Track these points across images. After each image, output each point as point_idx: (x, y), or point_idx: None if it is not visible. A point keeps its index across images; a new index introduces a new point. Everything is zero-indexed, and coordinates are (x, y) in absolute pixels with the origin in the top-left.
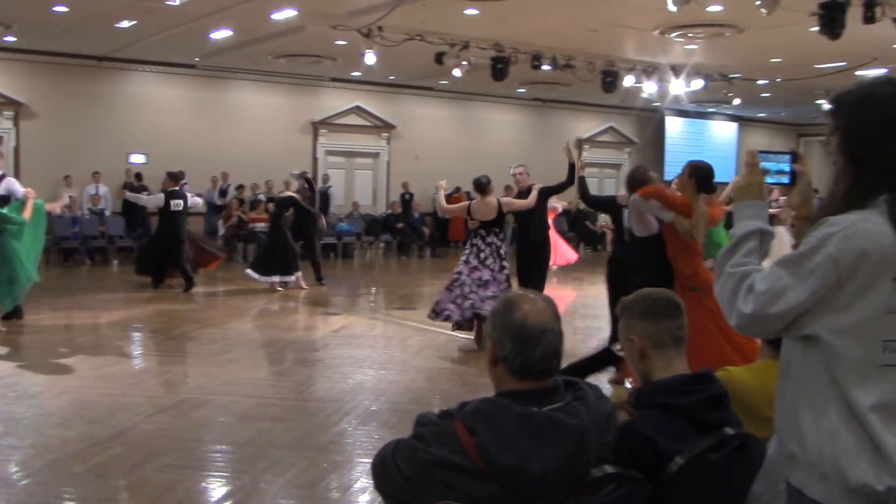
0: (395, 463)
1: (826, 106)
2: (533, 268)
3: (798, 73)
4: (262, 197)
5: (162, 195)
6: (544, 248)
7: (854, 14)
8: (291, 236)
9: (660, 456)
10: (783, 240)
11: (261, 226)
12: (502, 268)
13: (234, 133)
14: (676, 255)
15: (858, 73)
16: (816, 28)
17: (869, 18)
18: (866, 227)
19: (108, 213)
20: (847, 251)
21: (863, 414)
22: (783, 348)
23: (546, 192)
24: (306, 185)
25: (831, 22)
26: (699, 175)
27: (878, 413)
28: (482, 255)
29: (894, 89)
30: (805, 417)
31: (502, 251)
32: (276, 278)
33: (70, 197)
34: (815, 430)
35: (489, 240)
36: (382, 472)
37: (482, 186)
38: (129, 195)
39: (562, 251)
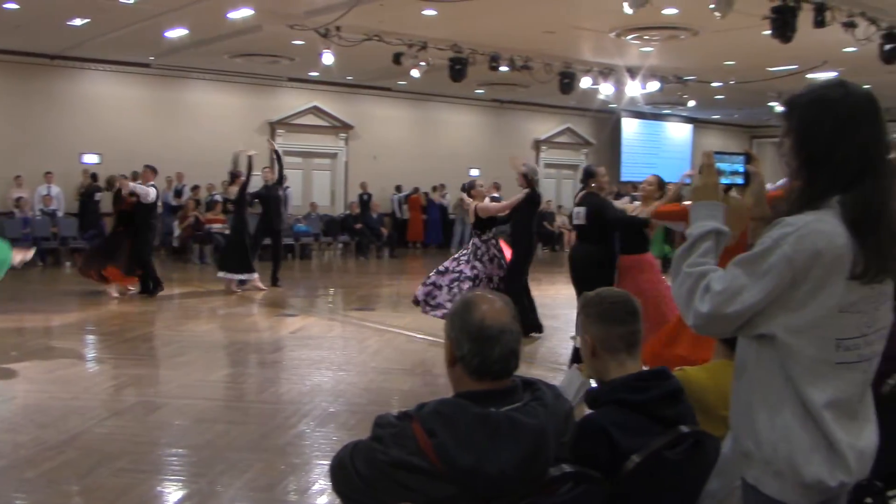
0: (354, 465)
1: (779, 108)
2: None
3: (751, 75)
4: (218, 197)
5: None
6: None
7: (805, 18)
8: (258, 232)
9: (616, 452)
10: None
11: (217, 226)
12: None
13: (190, 133)
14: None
15: (809, 76)
16: (769, 32)
17: (819, 22)
18: (820, 227)
19: (60, 213)
20: (802, 251)
21: (817, 411)
22: (738, 347)
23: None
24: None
25: (783, 26)
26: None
27: (831, 410)
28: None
29: (845, 92)
30: (760, 416)
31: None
32: (242, 276)
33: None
34: (770, 427)
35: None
36: (340, 474)
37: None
38: (138, 187)
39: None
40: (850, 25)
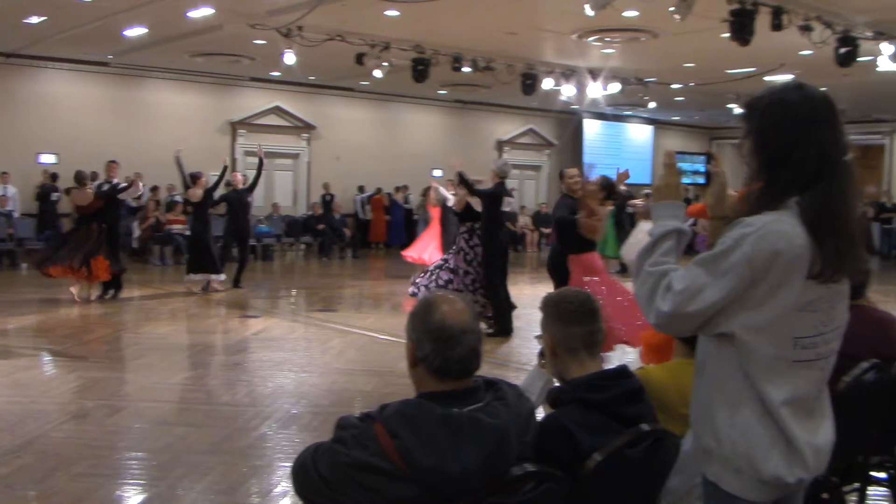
0: (316, 467)
1: (738, 110)
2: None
3: (710, 77)
4: (178, 198)
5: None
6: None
7: (763, 21)
8: (226, 237)
9: (577, 450)
10: None
11: (178, 227)
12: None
13: (150, 133)
14: None
15: (767, 78)
16: (727, 34)
17: (777, 26)
18: (779, 227)
19: (16, 214)
20: (761, 251)
21: (775, 409)
22: (699, 346)
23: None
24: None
25: (741, 28)
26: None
27: (789, 408)
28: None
29: (803, 95)
30: (720, 413)
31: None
32: (210, 276)
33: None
34: (729, 425)
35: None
36: (302, 477)
37: None
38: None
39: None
40: (806, 29)
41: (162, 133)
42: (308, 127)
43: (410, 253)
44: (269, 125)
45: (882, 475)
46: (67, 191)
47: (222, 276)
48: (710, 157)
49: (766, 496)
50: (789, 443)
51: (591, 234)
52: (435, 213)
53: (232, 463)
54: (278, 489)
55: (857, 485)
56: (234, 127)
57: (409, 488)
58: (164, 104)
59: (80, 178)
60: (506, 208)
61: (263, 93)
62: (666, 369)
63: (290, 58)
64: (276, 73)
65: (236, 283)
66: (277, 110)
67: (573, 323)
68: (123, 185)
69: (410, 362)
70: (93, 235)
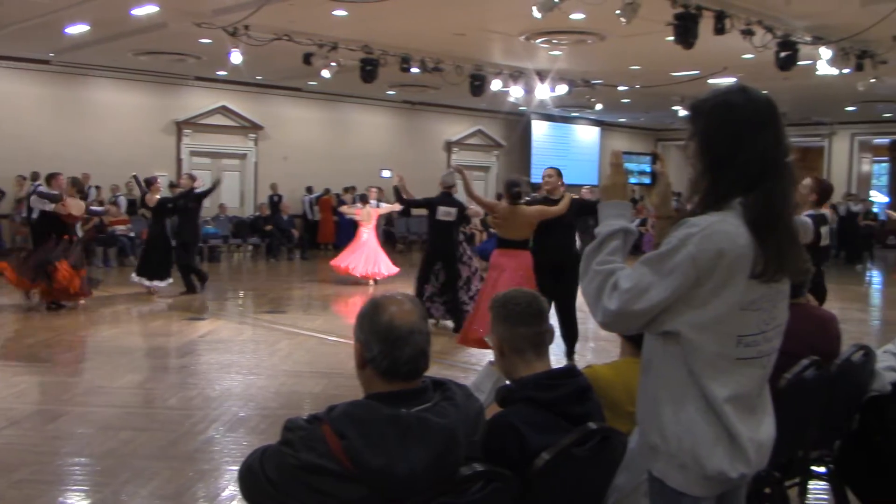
0: (263, 470)
1: (683, 112)
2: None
3: (655, 80)
4: (122, 199)
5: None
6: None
7: (706, 25)
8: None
9: (526, 449)
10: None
11: (122, 228)
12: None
13: (93, 133)
14: None
15: (711, 81)
16: (672, 38)
17: (719, 30)
18: (723, 228)
19: None
20: (705, 251)
21: (718, 406)
22: (645, 344)
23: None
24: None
25: (685, 32)
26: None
27: (731, 404)
28: None
29: (747, 98)
30: (665, 410)
31: None
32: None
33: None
34: (674, 422)
35: None
36: (250, 480)
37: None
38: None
39: (375, 261)
40: (748, 33)
41: (105, 133)
42: (255, 127)
43: (338, 263)
44: (215, 125)
45: (822, 469)
46: (57, 198)
47: (169, 281)
48: (655, 158)
49: (710, 491)
50: (732, 439)
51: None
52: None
53: (178, 468)
54: (226, 493)
55: (798, 479)
56: (180, 127)
57: (358, 489)
58: (107, 103)
59: (79, 186)
60: (443, 217)
61: (209, 92)
62: (613, 368)
63: (236, 57)
64: (222, 73)
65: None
66: (224, 110)
67: (520, 324)
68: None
69: (358, 364)
70: (62, 245)
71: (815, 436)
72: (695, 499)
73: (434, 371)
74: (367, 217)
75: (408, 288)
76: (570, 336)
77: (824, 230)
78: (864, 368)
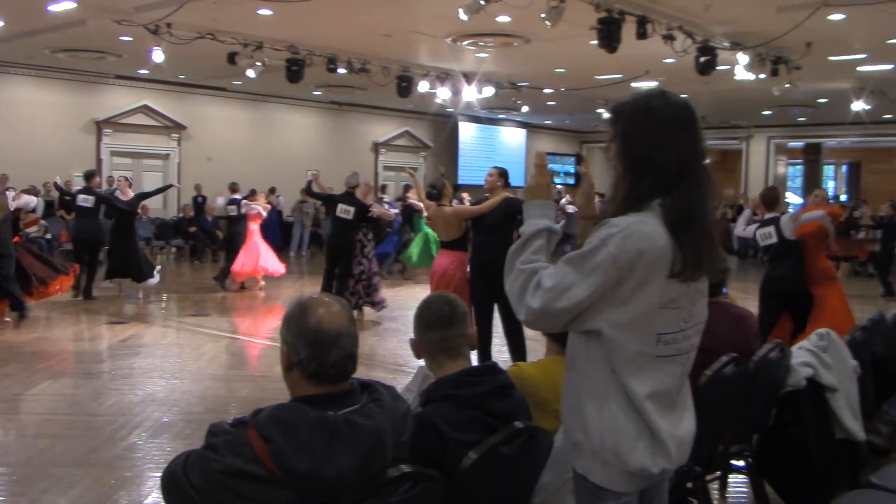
0: (187, 475)
1: (606, 115)
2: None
3: (580, 83)
4: (38, 200)
5: None
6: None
7: (629, 30)
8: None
9: (446, 446)
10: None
11: (33, 229)
12: None
13: (9, 132)
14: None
15: (634, 84)
16: (596, 42)
17: (642, 34)
18: (642, 228)
19: None
20: (625, 250)
21: (639, 402)
22: (569, 342)
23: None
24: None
25: (608, 36)
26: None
27: (652, 401)
28: None
29: (665, 102)
30: (588, 407)
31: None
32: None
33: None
34: (597, 419)
35: None
36: (173, 487)
37: None
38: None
39: (263, 260)
40: (669, 38)
41: (21, 132)
42: (178, 127)
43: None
44: (136, 124)
45: (741, 463)
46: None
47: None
48: (579, 159)
49: (632, 487)
50: (653, 435)
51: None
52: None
53: (99, 475)
54: (148, 500)
55: (718, 473)
56: (100, 126)
57: (285, 493)
58: (23, 102)
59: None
60: (342, 214)
61: (130, 91)
62: (539, 366)
63: (158, 56)
64: (143, 71)
65: (87, 294)
66: (145, 109)
67: (429, 329)
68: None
69: (285, 366)
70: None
71: (734, 431)
72: (617, 494)
73: (361, 373)
74: (259, 213)
75: (300, 286)
76: (513, 337)
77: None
78: (779, 364)
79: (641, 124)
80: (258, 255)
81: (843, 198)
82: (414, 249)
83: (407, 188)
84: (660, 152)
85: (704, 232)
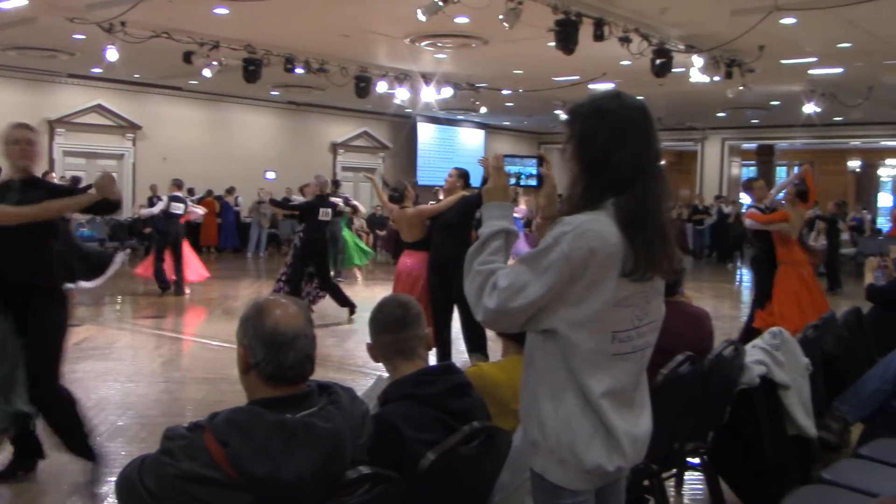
0: (142, 480)
1: (563, 116)
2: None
3: (538, 84)
4: None
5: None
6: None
7: (586, 32)
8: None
9: (405, 446)
10: None
11: None
12: None
13: None
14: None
15: (591, 86)
16: (553, 43)
17: (598, 37)
18: (595, 227)
19: None
20: (578, 249)
21: (595, 401)
22: (527, 341)
23: None
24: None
25: (566, 38)
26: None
27: (608, 399)
28: None
29: (620, 103)
30: (545, 406)
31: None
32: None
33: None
34: (554, 417)
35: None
36: (128, 492)
37: None
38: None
39: (193, 266)
40: (625, 40)
41: None
42: (133, 126)
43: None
44: (90, 124)
45: (696, 461)
46: None
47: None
48: (541, 160)
49: (589, 485)
50: (609, 433)
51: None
52: None
53: (52, 481)
54: None
55: (674, 471)
56: (53, 126)
57: (242, 497)
58: None
59: None
60: (324, 217)
61: (84, 90)
62: (499, 366)
63: (112, 54)
64: (97, 70)
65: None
66: (99, 108)
67: (383, 332)
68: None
69: (242, 369)
70: None
71: (690, 428)
72: (573, 492)
73: (319, 374)
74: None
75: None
76: (472, 336)
77: None
78: (734, 363)
79: (596, 125)
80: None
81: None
82: (352, 252)
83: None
84: (614, 153)
85: (658, 231)
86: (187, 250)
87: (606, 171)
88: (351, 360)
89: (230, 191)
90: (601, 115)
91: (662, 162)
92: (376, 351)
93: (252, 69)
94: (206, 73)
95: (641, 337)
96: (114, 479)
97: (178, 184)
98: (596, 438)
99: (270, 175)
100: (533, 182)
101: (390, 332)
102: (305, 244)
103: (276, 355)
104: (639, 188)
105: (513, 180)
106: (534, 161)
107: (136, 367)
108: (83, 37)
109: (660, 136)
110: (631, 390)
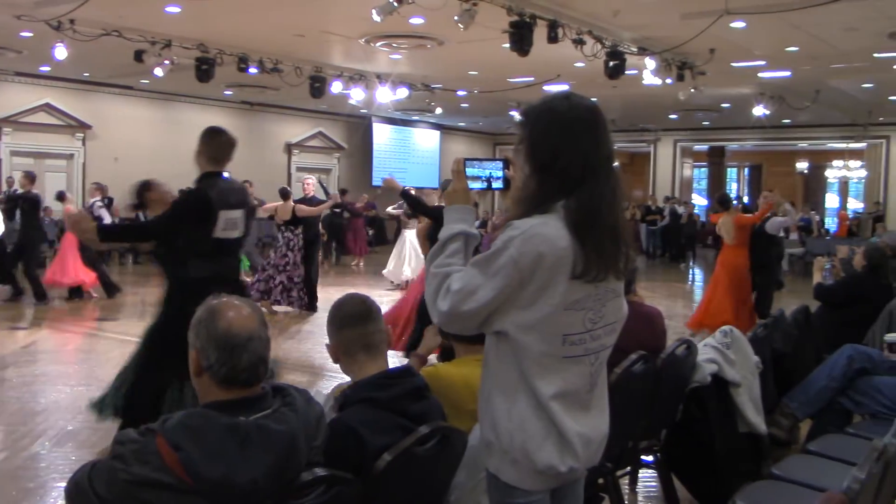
0: (92, 486)
1: (518, 118)
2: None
3: (493, 85)
4: None
5: None
6: None
7: (540, 34)
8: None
9: (365, 450)
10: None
11: None
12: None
13: None
14: None
15: (546, 87)
16: (508, 45)
17: (553, 38)
18: (543, 230)
19: None
20: (526, 253)
21: (545, 402)
22: (485, 343)
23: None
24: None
25: (520, 39)
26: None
27: (559, 401)
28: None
29: (570, 104)
30: (499, 407)
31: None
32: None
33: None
34: (507, 418)
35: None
36: (78, 498)
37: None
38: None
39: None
40: (579, 42)
41: None
42: (82, 126)
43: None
44: (38, 123)
45: (650, 458)
46: None
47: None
48: (507, 163)
49: (542, 485)
50: (561, 434)
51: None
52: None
53: (0, 487)
54: None
55: (628, 468)
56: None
57: (196, 502)
58: None
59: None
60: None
61: (32, 88)
62: (455, 366)
63: (61, 52)
64: (46, 68)
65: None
66: (48, 108)
67: (346, 327)
68: None
69: (195, 372)
70: None
71: (643, 426)
72: (527, 492)
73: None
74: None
75: None
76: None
77: None
78: (686, 361)
79: (546, 127)
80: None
81: (746, 200)
82: None
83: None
84: (562, 154)
85: (609, 232)
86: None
87: (555, 173)
88: (307, 361)
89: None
90: (551, 116)
91: (616, 163)
92: (338, 349)
93: (205, 68)
94: (158, 72)
95: (596, 340)
96: (64, 484)
97: (100, 187)
98: (548, 440)
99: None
100: (499, 185)
101: (354, 327)
102: (309, 244)
103: (229, 358)
104: (587, 189)
105: (482, 185)
106: (500, 164)
107: (88, 370)
108: (31, 34)
109: (612, 136)
110: (584, 392)
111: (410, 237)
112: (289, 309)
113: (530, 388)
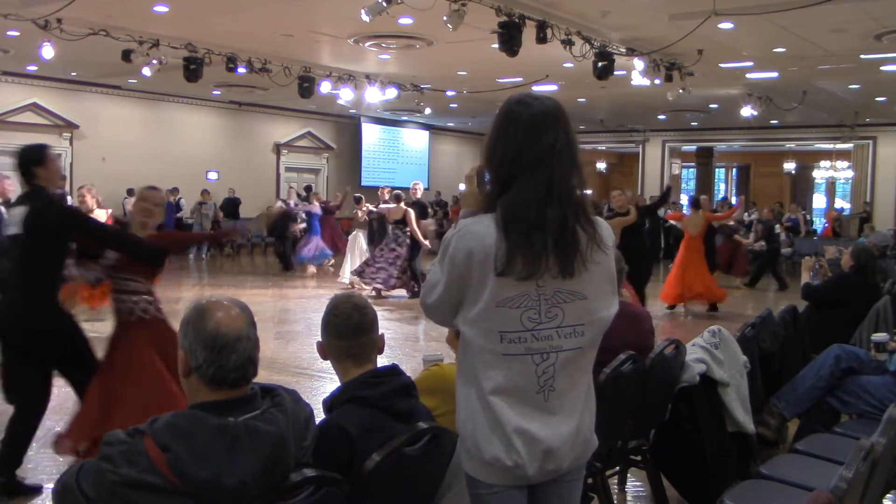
0: (80, 488)
1: None
2: None
3: (482, 86)
4: None
5: None
6: None
7: (529, 34)
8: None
9: (356, 449)
10: None
11: None
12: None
13: None
14: None
15: (535, 88)
16: (497, 45)
17: (541, 39)
18: (475, 228)
19: None
20: (458, 251)
21: (486, 396)
22: None
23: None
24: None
25: (509, 40)
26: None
27: (499, 397)
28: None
29: (515, 101)
30: (460, 398)
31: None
32: None
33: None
34: (464, 409)
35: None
36: (66, 499)
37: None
38: None
39: None
40: (568, 43)
41: None
42: (70, 126)
43: None
44: (25, 123)
45: (638, 458)
46: None
47: None
48: None
49: (498, 479)
50: (503, 429)
51: None
52: None
53: None
54: None
55: (617, 468)
56: None
57: (184, 503)
58: None
59: None
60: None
61: (19, 88)
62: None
63: (48, 51)
64: (33, 68)
65: None
66: (35, 107)
67: (335, 336)
68: None
69: (183, 372)
70: None
71: (632, 426)
72: (488, 485)
73: (263, 377)
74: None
75: (200, 289)
76: None
77: None
78: (675, 361)
79: (492, 128)
80: None
81: (734, 200)
82: None
83: (308, 189)
84: (497, 153)
85: (538, 231)
86: None
87: (494, 170)
88: (295, 362)
89: (173, 191)
90: (497, 117)
91: (603, 164)
92: (328, 352)
93: (193, 68)
94: (146, 71)
95: (542, 340)
96: (51, 486)
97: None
98: (494, 433)
99: (213, 175)
100: None
101: (342, 338)
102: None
103: (217, 358)
104: (516, 188)
105: None
106: None
107: None
108: (17, 33)
109: (566, 133)
110: (532, 392)
111: (361, 237)
112: (403, 294)
113: (477, 381)
